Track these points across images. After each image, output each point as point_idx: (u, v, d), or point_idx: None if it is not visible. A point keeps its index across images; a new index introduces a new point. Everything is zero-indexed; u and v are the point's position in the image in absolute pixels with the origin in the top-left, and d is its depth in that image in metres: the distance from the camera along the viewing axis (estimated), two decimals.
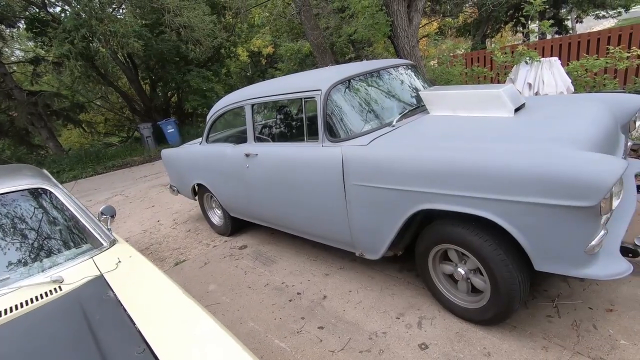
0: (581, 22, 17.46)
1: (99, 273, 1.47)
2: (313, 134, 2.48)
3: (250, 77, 18.69)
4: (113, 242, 1.75)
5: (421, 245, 2.10)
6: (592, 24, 19.05)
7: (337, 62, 10.68)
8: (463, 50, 10.25)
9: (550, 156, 1.54)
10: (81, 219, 1.78)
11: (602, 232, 1.53)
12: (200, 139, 3.85)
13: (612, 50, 3.76)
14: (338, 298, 2.48)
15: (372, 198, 2.13)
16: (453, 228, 1.88)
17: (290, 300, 2.56)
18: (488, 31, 14.78)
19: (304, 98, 2.52)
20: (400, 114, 2.53)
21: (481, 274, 1.87)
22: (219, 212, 3.96)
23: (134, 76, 12.22)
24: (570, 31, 15.65)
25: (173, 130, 11.64)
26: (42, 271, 1.52)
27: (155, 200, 5.99)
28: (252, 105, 2.97)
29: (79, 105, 13.56)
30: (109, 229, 1.91)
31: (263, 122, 3.12)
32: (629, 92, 3.70)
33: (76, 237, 1.73)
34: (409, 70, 3.04)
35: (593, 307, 1.96)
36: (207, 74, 11.63)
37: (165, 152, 4.40)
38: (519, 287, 1.74)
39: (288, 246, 3.38)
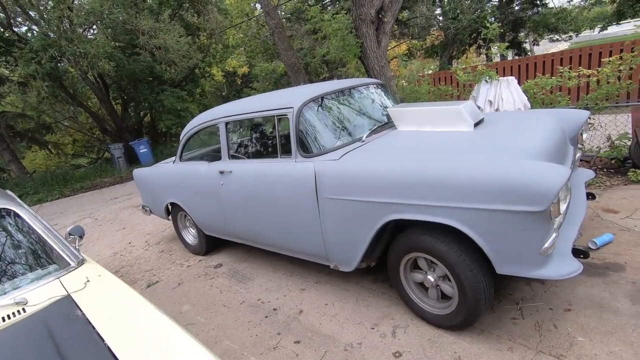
0: (538, 44, 18.79)
1: (65, 293, 1.44)
2: (286, 150, 2.54)
3: (226, 97, 18.73)
4: (81, 262, 1.71)
5: (392, 255, 2.17)
6: (548, 47, 20.55)
7: (312, 81, 10.93)
8: (431, 71, 10.78)
9: (505, 166, 1.66)
10: (48, 240, 1.73)
11: (554, 235, 1.66)
12: (174, 157, 3.82)
13: (562, 70, 4.09)
14: (314, 312, 2.49)
15: (344, 211, 2.19)
16: (421, 237, 1.97)
17: (266, 317, 2.54)
18: (454, 52, 15.61)
19: (277, 115, 2.59)
20: (369, 129, 2.64)
21: (449, 280, 1.96)
22: (193, 231, 3.90)
23: (104, 96, 11.98)
24: (529, 53, 16.78)
25: (146, 150, 11.41)
26: (5, 294, 1.47)
27: (126, 222, 5.82)
28: (226, 124, 3.01)
29: (45, 126, 13.08)
30: (77, 249, 1.87)
31: (237, 139, 3.16)
32: (579, 108, 4.02)
33: (42, 258, 1.69)
34: (378, 89, 3.19)
35: (553, 308, 2.07)
36: (181, 93, 11.57)
37: (137, 171, 4.32)
38: (484, 290, 1.83)
39: (264, 263, 3.37)
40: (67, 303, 1.36)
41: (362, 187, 2.07)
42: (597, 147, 4.35)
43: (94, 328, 1.18)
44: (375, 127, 2.70)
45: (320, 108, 2.61)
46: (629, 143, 3.83)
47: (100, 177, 10.86)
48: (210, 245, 3.73)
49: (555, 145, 2.10)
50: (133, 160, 11.58)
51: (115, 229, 5.62)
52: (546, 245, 1.62)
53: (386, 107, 2.97)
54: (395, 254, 2.14)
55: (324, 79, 13.81)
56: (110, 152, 11.59)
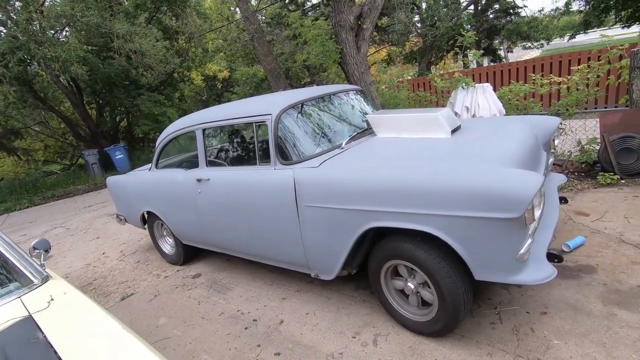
0: (512, 51, 19.48)
1: (27, 314, 1.34)
2: (265, 158, 2.50)
3: (206, 101, 18.45)
4: (46, 279, 1.61)
5: (373, 262, 2.16)
6: (521, 54, 21.36)
7: (292, 87, 10.90)
8: (409, 77, 10.98)
9: (480, 174, 1.68)
10: (8, 256, 1.63)
11: (530, 241, 1.68)
12: (149, 165, 3.71)
13: (534, 78, 4.23)
14: (295, 322, 2.45)
15: (325, 218, 2.17)
16: (401, 244, 1.96)
17: (245, 328, 2.48)
18: (432, 58, 15.95)
19: (255, 122, 2.55)
20: (349, 136, 2.63)
21: (429, 287, 1.96)
22: (170, 240, 3.78)
23: (78, 100, 11.57)
24: (503, 60, 17.35)
25: (122, 156, 11.07)
26: None
27: (100, 232, 5.61)
28: (204, 130, 2.94)
29: (14, 131, 12.50)
30: (42, 265, 1.77)
31: (214, 146, 3.10)
32: (550, 114, 4.16)
33: (2, 275, 1.58)
34: (358, 95, 3.20)
35: (530, 311, 2.11)
36: (158, 98, 11.30)
37: (111, 179, 4.17)
38: (463, 296, 1.84)
39: (244, 272, 3.30)
40: (28, 325, 1.27)
41: (342, 195, 2.05)
42: (568, 152, 4.51)
43: (55, 352, 1.11)
44: (355, 133, 2.69)
45: (299, 114, 2.59)
46: (598, 147, 3.99)
47: (73, 185, 10.45)
48: (188, 254, 3.63)
49: (529, 152, 2.15)
50: (108, 166, 11.21)
51: (89, 238, 5.40)
52: (522, 251, 1.64)
53: (366, 114, 2.97)
54: (376, 261, 2.13)
55: (305, 84, 13.81)
56: (84, 158, 11.17)
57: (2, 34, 8.80)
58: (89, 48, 8.74)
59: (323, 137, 2.60)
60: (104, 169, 11.06)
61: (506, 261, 1.67)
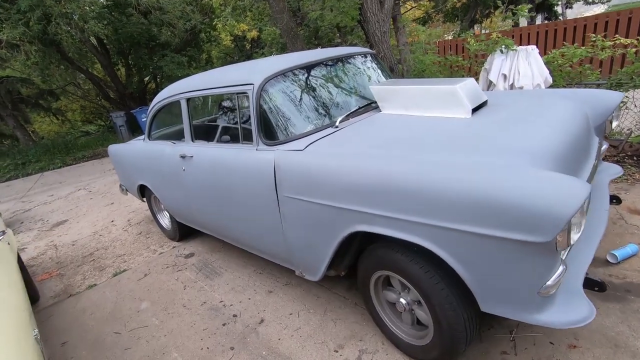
0: (571, 7, 17.10)
1: None
2: (248, 136, 2.14)
3: (236, 62, 17.98)
4: None
5: (362, 268, 1.81)
6: (582, 10, 18.69)
7: (322, 46, 10.13)
8: (450, 36, 9.87)
9: (496, 174, 1.22)
10: None
11: (561, 269, 1.25)
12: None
13: (594, 38, 3.45)
14: (276, 322, 2.19)
15: (305, 214, 1.81)
16: (392, 254, 1.58)
17: (223, 325, 2.26)
18: (477, 16, 14.33)
19: (237, 93, 2.17)
20: (347, 112, 2.19)
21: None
22: (167, 214, 3.61)
23: (106, 61, 11.56)
24: (560, 17, 15.29)
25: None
26: None
27: (116, 197, 5.62)
28: (187, 100, 2.60)
29: (51, 92, 12.84)
30: None
31: (199, 119, 2.77)
32: (610, 84, 3.41)
33: None
34: (370, 60, 2.70)
35: (555, 342, 1.69)
36: (181, 59, 11.02)
37: (112, 148, 4.01)
38: (464, 326, 1.45)
39: (236, 256, 3.07)
40: None
41: (324, 188, 1.67)
42: (627, 129, 3.76)
43: None
44: (356, 108, 2.24)
45: (287, 85, 2.16)
46: None
47: (102, 146, 10.68)
48: (183, 231, 3.45)
49: (574, 143, 1.62)
50: (136, 128, 11.32)
51: (104, 203, 5.43)
52: (549, 283, 1.21)
53: (374, 83, 2.48)
54: (364, 268, 1.78)
55: (336, 45, 12.90)
56: (113, 120, 11.34)
57: None
58: (105, 3, 8.42)
59: (316, 112, 2.17)
60: (131, 131, 11.19)
61: (525, 294, 1.25)
